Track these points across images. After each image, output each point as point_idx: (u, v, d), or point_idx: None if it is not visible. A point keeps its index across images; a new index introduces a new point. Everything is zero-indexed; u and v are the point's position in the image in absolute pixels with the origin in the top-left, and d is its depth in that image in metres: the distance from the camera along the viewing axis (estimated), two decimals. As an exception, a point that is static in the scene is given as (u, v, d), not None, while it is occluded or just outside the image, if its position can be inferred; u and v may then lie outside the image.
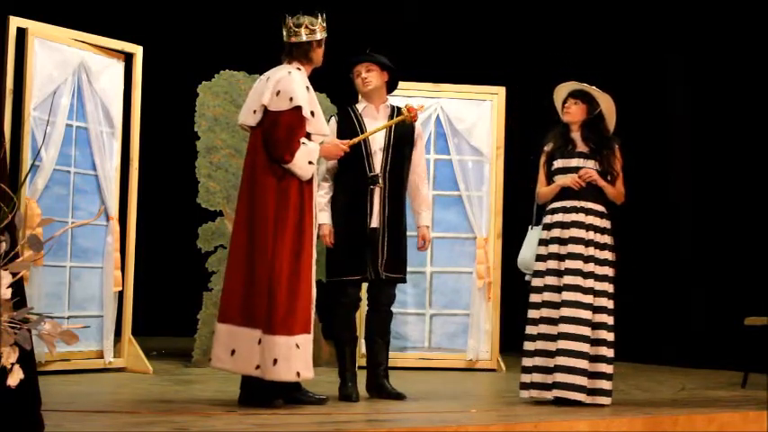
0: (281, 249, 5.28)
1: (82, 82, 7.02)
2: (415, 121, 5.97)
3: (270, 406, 5.26)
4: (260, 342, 5.24)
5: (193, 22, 10.09)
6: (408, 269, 6.18)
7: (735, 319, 7.25)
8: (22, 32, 6.61)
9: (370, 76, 6.01)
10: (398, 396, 5.92)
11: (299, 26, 5.49)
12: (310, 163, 5.38)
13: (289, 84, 5.39)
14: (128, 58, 7.32)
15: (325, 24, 5.55)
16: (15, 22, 6.58)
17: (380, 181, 5.92)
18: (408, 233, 6.17)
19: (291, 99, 5.35)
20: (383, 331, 6.05)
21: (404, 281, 6.10)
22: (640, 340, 8.20)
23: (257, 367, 5.24)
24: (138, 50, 7.34)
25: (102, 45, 7.17)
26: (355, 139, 5.80)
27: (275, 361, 5.18)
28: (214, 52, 9.38)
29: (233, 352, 5.31)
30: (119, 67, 7.28)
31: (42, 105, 6.69)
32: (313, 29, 5.51)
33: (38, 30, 6.72)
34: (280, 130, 5.36)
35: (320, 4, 5.97)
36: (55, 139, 6.80)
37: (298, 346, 5.24)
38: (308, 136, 5.45)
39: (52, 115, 6.72)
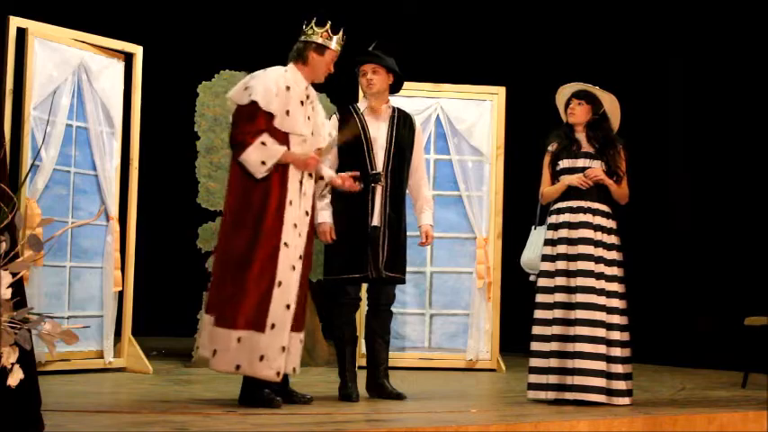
0: (231, 246, 5.33)
1: (82, 82, 7.02)
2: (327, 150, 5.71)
3: (270, 405, 5.27)
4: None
5: (193, 22, 10.10)
6: (408, 269, 6.17)
7: (735, 319, 7.25)
8: (22, 32, 6.61)
9: (375, 79, 5.99)
10: (398, 396, 5.92)
11: (307, 27, 5.50)
12: (263, 163, 5.31)
13: (257, 79, 5.40)
14: (128, 58, 7.31)
15: (339, 39, 5.51)
16: (15, 22, 6.58)
17: (382, 179, 5.92)
18: (408, 233, 6.17)
19: (250, 94, 5.35)
20: (383, 331, 6.05)
21: (403, 281, 6.10)
22: (640, 340, 8.19)
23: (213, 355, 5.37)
24: (138, 50, 7.34)
25: (102, 45, 7.16)
26: (324, 151, 5.65)
27: (215, 352, 5.29)
28: (214, 52, 9.38)
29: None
30: (119, 67, 7.27)
31: (42, 105, 6.69)
32: (320, 34, 5.48)
33: (38, 30, 6.72)
34: (235, 123, 5.41)
35: (322, 4, 5.97)
36: (55, 139, 6.80)
37: (239, 341, 5.25)
38: (286, 135, 5.41)
39: (52, 115, 6.72)
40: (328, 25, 5.51)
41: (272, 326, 5.26)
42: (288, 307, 5.30)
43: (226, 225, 5.41)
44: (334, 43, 5.52)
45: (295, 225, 5.39)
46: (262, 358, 5.24)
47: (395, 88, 6.13)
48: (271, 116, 5.36)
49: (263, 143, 5.32)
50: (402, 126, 6.05)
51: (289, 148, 5.39)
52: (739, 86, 8.38)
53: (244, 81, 5.46)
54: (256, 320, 5.25)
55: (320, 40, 5.49)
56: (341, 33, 5.53)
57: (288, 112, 5.41)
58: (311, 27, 5.52)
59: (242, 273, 5.27)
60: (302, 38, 5.53)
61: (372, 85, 5.98)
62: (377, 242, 5.90)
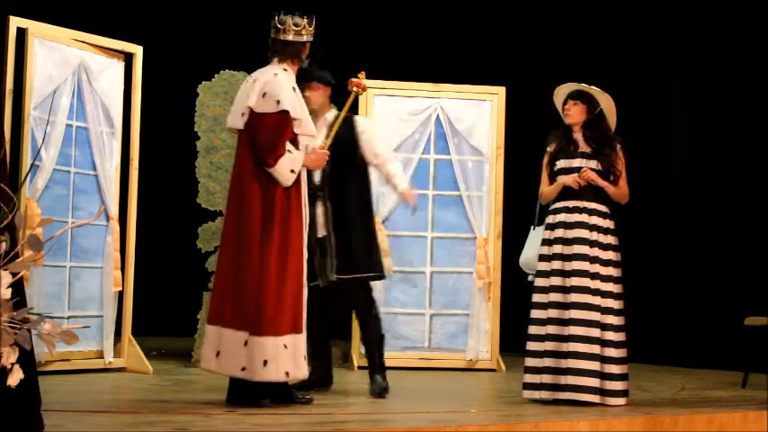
0: (268, 252, 5.29)
1: (82, 82, 7.01)
2: (365, 89, 5.88)
3: (257, 405, 5.27)
4: (246, 344, 5.27)
5: (193, 23, 10.09)
6: (408, 269, 6.21)
7: (735, 319, 7.25)
8: (22, 32, 6.61)
9: (312, 95, 6.01)
10: (380, 395, 5.97)
11: (297, 26, 5.48)
12: (292, 171, 5.35)
13: (275, 86, 5.37)
14: (128, 58, 7.31)
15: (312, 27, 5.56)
16: (15, 22, 6.58)
17: (321, 191, 5.95)
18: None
19: (278, 102, 5.33)
20: (366, 332, 6.16)
21: (367, 279, 6.14)
22: (640, 340, 8.20)
23: (243, 369, 5.27)
24: (138, 50, 7.34)
25: (102, 45, 7.16)
26: (328, 141, 5.75)
27: (265, 362, 5.22)
28: (214, 52, 9.37)
29: (218, 353, 5.36)
30: (119, 67, 7.27)
31: (42, 105, 6.69)
32: (310, 30, 5.51)
33: (38, 30, 6.72)
34: (264, 133, 5.35)
35: (321, 4, 5.97)
36: (55, 139, 6.79)
37: (285, 347, 5.26)
38: (296, 137, 5.44)
39: (52, 115, 6.72)
40: (308, 19, 5.51)
41: (304, 325, 5.38)
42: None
43: (252, 236, 5.32)
44: (305, 36, 5.52)
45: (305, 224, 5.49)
46: (305, 357, 5.37)
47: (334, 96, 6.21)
48: (294, 122, 5.38)
49: (289, 151, 5.36)
50: (340, 130, 6.01)
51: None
52: (740, 87, 8.37)
53: (259, 88, 5.39)
54: (295, 322, 5.33)
55: (300, 37, 5.50)
56: (304, 23, 5.50)
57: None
58: (301, 25, 5.47)
59: (280, 282, 5.28)
60: (286, 37, 5.47)
61: (310, 102, 5.94)
62: (325, 251, 5.95)
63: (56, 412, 4.72)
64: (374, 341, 6.15)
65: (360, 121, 6.31)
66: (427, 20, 9.87)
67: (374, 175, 6.36)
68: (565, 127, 6.00)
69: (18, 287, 3.63)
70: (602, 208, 5.88)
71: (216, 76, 7.91)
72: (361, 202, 6.14)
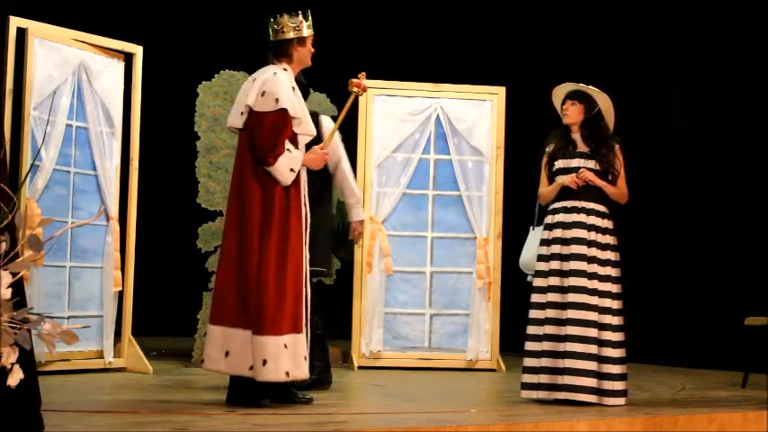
0: (266, 252, 5.28)
1: (82, 82, 7.01)
2: (365, 89, 5.89)
3: (257, 406, 5.26)
4: (252, 343, 5.27)
5: (193, 23, 10.10)
6: (408, 269, 6.19)
7: (735, 319, 7.25)
8: (22, 32, 6.61)
9: None
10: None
11: (279, 25, 5.47)
12: (292, 170, 5.34)
13: (274, 84, 5.36)
14: (128, 58, 7.31)
15: (309, 23, 5.51)
16: (15, 22, 6.58)
17: None
18: None
19: (277, 100, 5.33)
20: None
21: (316, 274, 6.14)
22: (640, 340, 8.20)
23: (250, 368, 5.26)
24: (138, 50, 7.34)
25: (102, 45, 7.16)
26: (327, 140, 5.76)
27: (264, 362, 5.21)
28: (214, 52, 9.38)
29: (227, 353, 5.33)
30: (119, 67, 7.27)
31: (42, 105, 6.69)
32: (297, 27, 5.48)
33: (38, 30, 6.72)
34: (264, 132, 5.35)
35: (321, 4, 5.97)
36: (55, 139, 6.79)
37: (286, 346, 5.24)
38: (295, 137, 5.44)
39: (52, 115, 6.72)
40: (301, 15, 5.49)
41: (305, 324, 5.35)
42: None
43: (251, 235, 5.31)
44: (308, 28, 5.50)
45: (306, 223, 5.48)
46: (306, 358, 5.32)
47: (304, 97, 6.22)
48: (293, 121, 5.38)
49: (288, 150, 5.35)
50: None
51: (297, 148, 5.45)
52: (740, 87, 8.37)
53: (258, 87, 5.40)
54: (295, 322, 5.30)
55: (298, 33, 5.47)
56: (287, 20, 5.49)
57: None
58: (282, 24, 5.46)
59: (280, 281, 5.27)
60: (278, 37, 5.47)
61: None
62: None
63: (56, 412, 4.72)
64: (316, 335, 6.16)
65: (325, 122, 6.29)
66: (427, 20, 9.88)
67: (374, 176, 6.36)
68: (563, 127, 6.00)
69: (18, 287, 3.63)
70: (601, 208, 5.88)
71: (216, 76, 7.91)
72: (321, 197, 6.15)
